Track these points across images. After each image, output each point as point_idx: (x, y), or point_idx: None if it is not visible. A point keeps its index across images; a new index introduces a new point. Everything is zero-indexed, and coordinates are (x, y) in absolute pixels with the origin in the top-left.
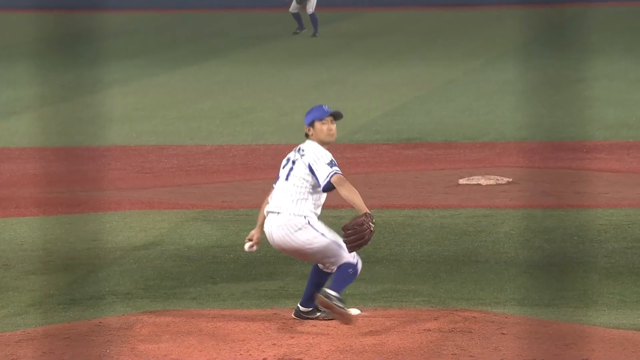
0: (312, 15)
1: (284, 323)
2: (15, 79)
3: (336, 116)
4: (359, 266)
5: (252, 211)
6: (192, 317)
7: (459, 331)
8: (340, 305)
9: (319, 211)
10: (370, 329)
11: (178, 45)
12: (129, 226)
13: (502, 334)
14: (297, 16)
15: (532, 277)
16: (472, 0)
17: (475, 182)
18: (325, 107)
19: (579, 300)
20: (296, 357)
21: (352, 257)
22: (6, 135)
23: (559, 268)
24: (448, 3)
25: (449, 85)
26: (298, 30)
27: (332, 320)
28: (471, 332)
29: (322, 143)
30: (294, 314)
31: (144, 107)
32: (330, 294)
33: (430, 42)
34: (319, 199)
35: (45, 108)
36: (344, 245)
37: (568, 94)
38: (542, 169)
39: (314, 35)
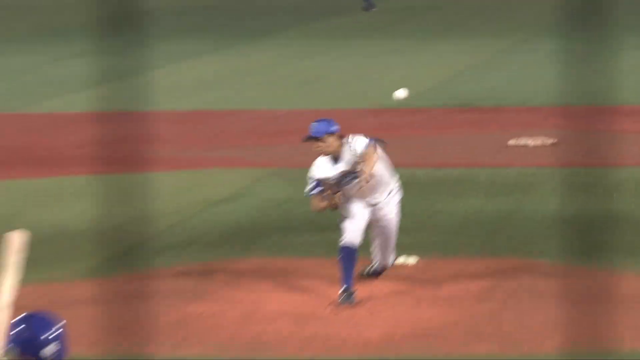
0: None
1: None
2: (99, 51)
3: (310, 139)
4: (345, 241)
5: None
6: (266, 265)
7: (508, 279)
8: (341, 300)
9: (349, 199)
10: (427, 277)
11: (254, 19)
12: (210, 182)
13: (548, 281)
14: None
15: (576, 230)
16: None
17: (523, 143)
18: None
19: (620, 251)
20: (360, 300)
21: (346, 237)
22: (96, 100)
23: (600, 221)
24: None
25: (499, 55)
26: (367, 9)
27: (392, 270)
28: (519, 279)
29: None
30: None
31: (225, 74)
32: (341, 290)
33: (480, 15)
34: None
35: (138, 76)
36: (345, 228)
37: (610, 62)
38: (585, 131)
39: (370, 8)
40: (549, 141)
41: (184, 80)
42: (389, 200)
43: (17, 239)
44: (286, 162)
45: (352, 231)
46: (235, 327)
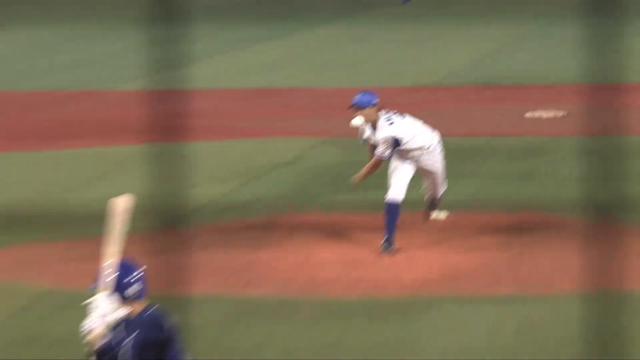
0: None
1: None
2: (178, 37)
3: (354, 107)
4: (390, 197)
5: None
6: (319, 220)
7: (525, 231)
8: (382, 248)
9: (403, 157)
10: (456, 229)
11: (311, 10)
12: (272, 149)
13: (561, 232)
14: None
15: (584, 188)
16: None
17: (538, 115)
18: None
19: (623, 206)
20: (399, 249)
21: (390, 194)
22: (176, 79)
23: (604, 177)
24: None
25: (520, 40)
26: (405, 1)
27: (428, 222)
28: (535, 231)
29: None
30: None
31: (285, 58)
32: (383, 240)
33: (506, 4)
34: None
35: (212, 58)
36: (390, 184)
37: (618, 45)
38: (592, 105)
39: (407, 1)
40: (560, 113)
41: (251, 62)
42: (432, 152)
43: (123, 202)
44: (337, 132)
45: (397, 187)
46: (292, 271)
